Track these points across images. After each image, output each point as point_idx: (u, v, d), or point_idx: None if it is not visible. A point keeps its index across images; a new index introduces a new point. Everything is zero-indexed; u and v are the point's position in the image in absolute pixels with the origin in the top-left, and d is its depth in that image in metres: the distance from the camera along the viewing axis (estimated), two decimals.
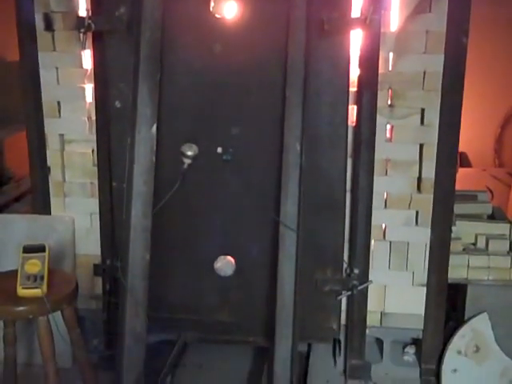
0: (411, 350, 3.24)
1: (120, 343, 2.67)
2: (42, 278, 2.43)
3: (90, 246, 3.18)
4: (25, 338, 3.02)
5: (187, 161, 2.77)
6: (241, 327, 3.00)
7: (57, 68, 3.02)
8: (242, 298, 2.99)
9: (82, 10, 2.88)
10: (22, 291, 2.43)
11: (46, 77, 3.03)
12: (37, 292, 2.40)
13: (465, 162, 5.57)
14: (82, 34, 2.77)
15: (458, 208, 3.25)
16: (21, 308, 2.43)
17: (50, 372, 2.51)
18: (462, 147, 5.39)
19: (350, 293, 2.93)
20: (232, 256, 2.90)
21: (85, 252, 3.21)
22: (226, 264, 2.92)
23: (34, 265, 2.44)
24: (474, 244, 3.19)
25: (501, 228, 3.18)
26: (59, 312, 2.53)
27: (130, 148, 2.67)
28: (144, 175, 2.67)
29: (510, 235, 3.15)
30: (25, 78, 3.04)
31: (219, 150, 2.80)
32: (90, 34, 2.85)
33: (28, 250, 2.49)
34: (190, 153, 2.76)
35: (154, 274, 2.75)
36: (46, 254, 2.48)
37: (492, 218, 3.38)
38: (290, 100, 2.63)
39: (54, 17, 2.95)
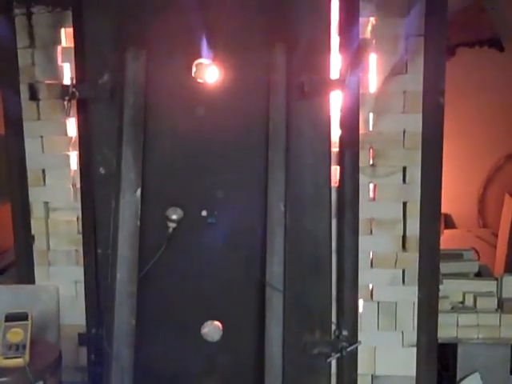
0: None
1: None
2: (24, 347, 2.38)
3: (74, 315, 3.13)
4: None
5: (172, 225, 2.77)
6: None
7: (42, 136, 3.05)
8: (229, 364, 2.92)
9: (67, 79, 2.93)
10: (3, 361, 2.38)
11: (31, 145, 3.06)
12: (19, 362, 2.36)
13: (449, 223, 5.61)
14: (66, 102, 2.80)
15: (445, 267, 3.25)
16: (2, 379, 2.37)
17: None
18: (446, 209, 5.47)
19: (339, 355, 2.88)
20: (219, 320, 2.86)
21: (70, 322, 3.15)
22: (213, 329, 2.87)
23: (17, 334, 2.40)
24: (462, 302, 3.18)
25: (488, 285, 3.18)
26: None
27: (114, 213, 2.67)
28: (129, 240, 2.66)
29: (497, 292, 3.14)
30: (10, 148, 3.06)
31: (204, 213, 2.81)
32: (74, 102, 2.89)
33: (10, 318, 2.45)
34: (174, 217, 2.77)
35: (140, 340, 2.70)
36: (29, 322, 2.44)
37: (479, 275, 3.38)
38: (273, 161, 2.66)
39: (39, 87, 3.00)
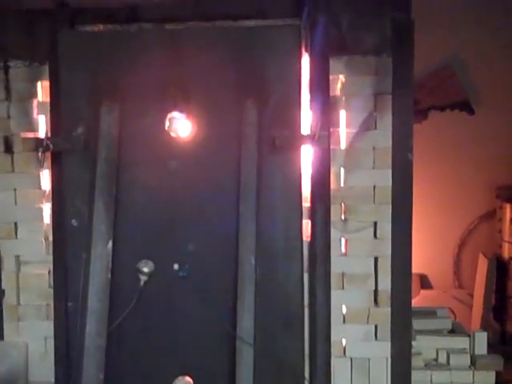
0: None
1: None
2: None
3: (43, 371, 3.07)
4: None
5: (143, 277, 2.76)
6: None
7: (15, 189, 3.05)
8: None
9: (42, 132, 2.96)
10: None
11: (3, 198, 3.05)
12: None
13: (426, 283, 5.61)
14: (40, 154, 2.82)
15: (418, 324, 3.26)
16: None
17: None
18: (422, 269, 5.52)
19: None
20: (190, 375, 2.81)
21: (38, 378, 3.10)
22: None
23: None
24: (436, 359, 3.17)
25: (461, 342, 3.17)
26: None
27: (85, 265, 2.66)
28: (99, 292, 2.64)
29: (470, 349, 3.13)
30: None
31: (176, 266, 2.81)
32: (48, 155, 2.91)
33: None
34: (146, 269, 2.76)
35: None
36: None
37: (453, 333, 3.38)
38: (244, 215, 2.68)
39: (14, 139, 3.02)
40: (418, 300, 5.13)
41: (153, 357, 2.84)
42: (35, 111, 3.03)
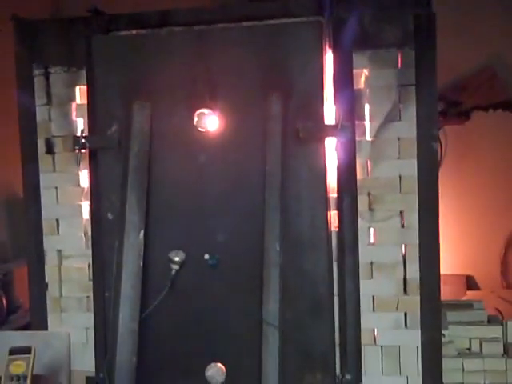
0: None
1: None
2: (25, 378, 2.46)
3: (85, 361, 3.21)
4: None
5: (175, 267, 2.88)
6: None
7: (56, 188, 3.23)
8: None
9: (80, 133, 3.13)
10: None
11: (46, 196, 3.23)
12: None
13: (472, 284, 5.55)
14: (77, 152, 2.99)
15: (454, 315, 3.27)
16: None
17: None
18: (468, 270, 5.47)
19: None
20: (222, 362, 2.90)
21: (80, 368, 3.22)
22: (216, 372, 2.91)
23: (19, 366, 2.49)
24: (469, 348, 3.16)
25: (494, 331, 3.16)
26: None
27: (118, 253, 2.80)
28: (131, 279, 2.77)
29: (503, 337, 3.12)
30: (27, 198, 3.24)
31: (206, 256, 2.91)
32: (86, 155, 3.08)
33: (14, 351, 2.54)
34: (177, 259, 2.88)
35: (142, 382, 2.76)
36: (32, 355, 2.52)
37: None
38: (269, 203, 2.78)
39: (55, 141, 3.20)
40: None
41: (185, 343, 2.95)
42: (74, 114, 3.21)
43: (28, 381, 2.47)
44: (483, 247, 5.48)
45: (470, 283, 5.56)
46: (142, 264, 2.80)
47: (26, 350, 2.55)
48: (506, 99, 5.48)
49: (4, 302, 4.39)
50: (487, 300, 5.24)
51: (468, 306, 3.54)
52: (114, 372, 2.68)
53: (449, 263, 5.28)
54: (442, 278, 4.72)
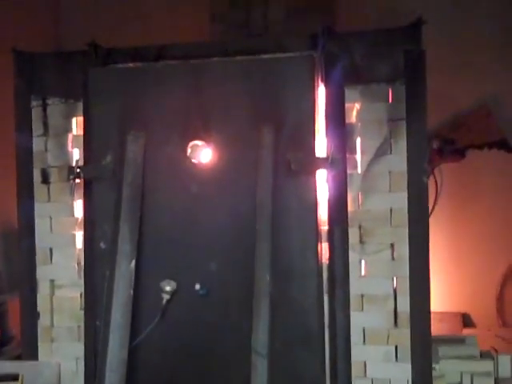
0: None
1: None
2: None
3: None
4: None
5: (166, 296, 2.89)
6: None
7: (50, 217, 3.26)
8: None
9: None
10: None
11: (40, 226, 3.27)
12: None
13: (468, 322, 5.53)
14: (72, 182, 3.03)
15: (446, 350, 3.27)
16: None
17: None
18: (464, 308, 5.45)
19: None
20: None
21: None
22: None
23: None
24: (460, 383, 3.15)
25: (485, 365, 3.15)
26: None
27: (108, 282, 2.81)
28: (122, 308, 2.78)
29: (494, 372, 3.11)
30: (21, 227, 3.27)
31: (197, 286, 2.93)
32: (81, 185, 3.11)
33: (2, 378, 2.56)
34: (168, 288, 2.89)
35: None
36: (19, 382, 2.53)
37: None
38: (260, 233, 2.80)
39: (51, 171, 3.25)
40: None
41: (175, 372, 2.94)
42: (70, 145, 3.26)
43: None
44: (479, 285, 5.47)
45: (466, 321, 5.54)
46: (132, 293, 2.81)
47: (14, 377, 2.55)
48: (500, 138, 5.53)
49: None
50: (483, 338, 5.22)
51: (460, 341, 3.54)
52: None
53: (445, 301, 5.29)
54: (437, 315, 4.76)
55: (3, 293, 4.68)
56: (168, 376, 2.95)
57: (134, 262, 2.84)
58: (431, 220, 5.15)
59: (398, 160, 3.04)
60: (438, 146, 5.41)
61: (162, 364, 2.96)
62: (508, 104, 5.40)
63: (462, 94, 5.34)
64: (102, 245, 3.03)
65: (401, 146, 3.04)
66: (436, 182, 5.36)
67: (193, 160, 2.95)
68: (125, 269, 2.82)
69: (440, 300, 5.25)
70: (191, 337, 2.94)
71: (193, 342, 2.94)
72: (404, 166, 3.03)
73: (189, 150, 2.94)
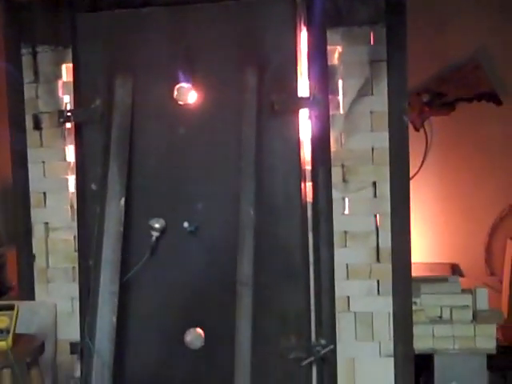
0: None
1: None
2: (8, 332, 2.59)
3: (71, 330, 3.32)
4: None
5: (155, 233, 2.99)
6: None
7: (43, 162, 3.35)
8: (211, 371, 3.05)
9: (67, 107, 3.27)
10: None
11: (33, 170, 3.36)
12: (2, 345, 2.55)
13: (458, 272, 5.64)
14: (63, 126, 3.12)
15: (428, 288, 3.38)
16: None
17: None
18: (453, 259, 5.56)
19: (312, 358, 2.98)
20: (201, 327, 3.01)
21: (66, 337, 3.34)
22: (195, 337, 3.01)
23: (2, 321, 2.62)
24: (440, 316, 3.27)
25: (464, 299, 3.27)
26: None
27: (99, 220, 2.91)
28: (112, 244, 2.88)
29: (472, 305, 3.23)
30: (15, 172, 3.37)
31: (185, 224, 3.02)
32: (72, 130, 3.20)
33: None
34: (157, 225, 2.99)
35: (122, 348, 2.87)
36: (15, 311, 2.65)
37: None
38: (244, 171, 2.88)
39: (42, 117, 3.34)
40: None
41: (164, 308, 3.05)
42: (60, 91, 3.34)
43: (10, 335, 2.59)
44: (468, 235, 5.58)
45: (456, 271, 5.65)
46: (122, 230, 2.91)
47: (10, 307, 2.67)
48: (490, 90, 5.60)
49: None
50: (471, 286, 5.36)
51: (443, 280, 3.64)
52: (94, 332, 2.78)
53: (435, 252, 5.40)
54: (428, 266, 4.86)
55: (2, 245, 4.82)
56: (157, 312, 3.06)
57: (123, 199, 2.93)
58: (421, 173, 5.27)
59: (380, 100, 3.13)
60: (427, 100, 5.49)
61: (151, 300, 3.06)
62: (497, 56, 5.46)
63: (451, 46, 5.39)
64: (93, 186, 3.12)
65: (382, 87, 3.12)
66: (426, 134, 5.45)
67: (179, 102, 3.03)
68: (114, 207, 2.92)
69: (430, 251, 5.37)
70: (180, 272, 3.04)
71: (182, 278, 3.04)
72: (385, 106, 3.12)
73: (175, 93, 3.02)
